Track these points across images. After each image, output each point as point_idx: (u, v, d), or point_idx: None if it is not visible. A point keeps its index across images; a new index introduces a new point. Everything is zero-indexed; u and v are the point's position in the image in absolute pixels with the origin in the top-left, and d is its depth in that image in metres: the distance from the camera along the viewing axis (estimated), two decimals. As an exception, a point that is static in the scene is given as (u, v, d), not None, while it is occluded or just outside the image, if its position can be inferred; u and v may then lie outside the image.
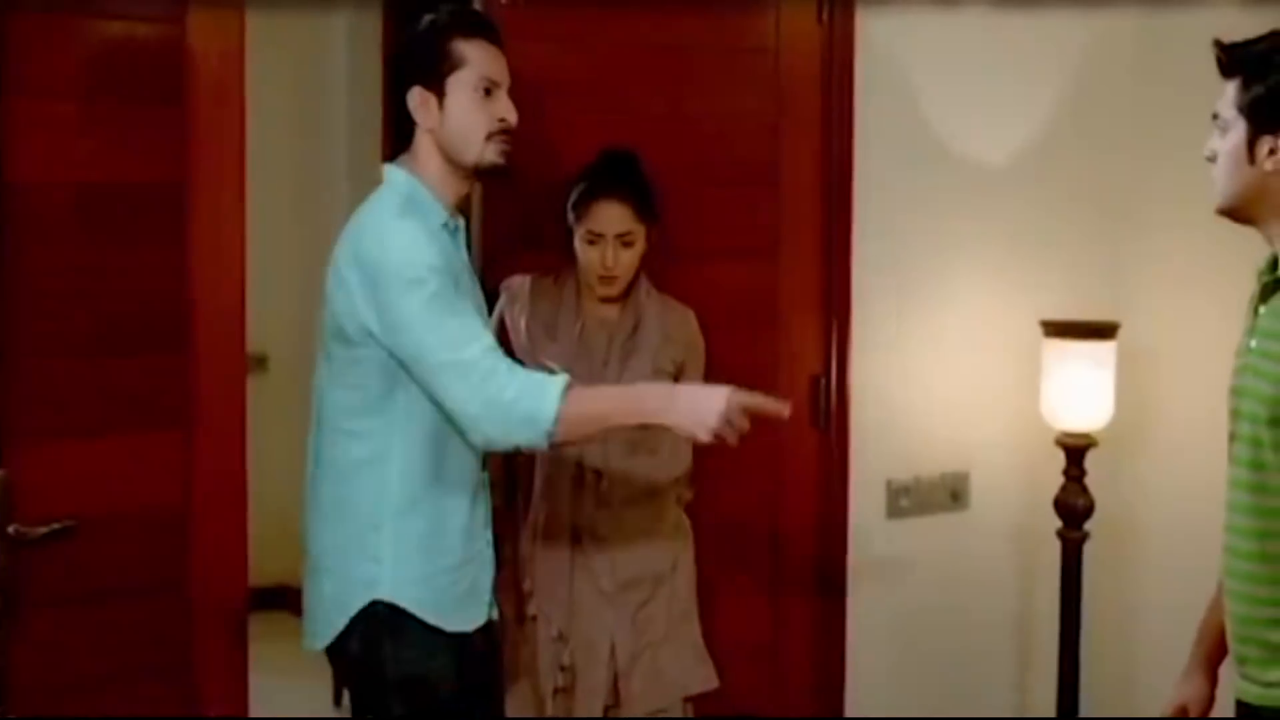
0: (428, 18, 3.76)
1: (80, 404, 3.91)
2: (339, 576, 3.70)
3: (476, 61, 3.70)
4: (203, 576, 4.10)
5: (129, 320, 3.98)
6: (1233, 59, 3.22)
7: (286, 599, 7.39)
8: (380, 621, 3.64)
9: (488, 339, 3.57)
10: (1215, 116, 3.27)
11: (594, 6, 4.67)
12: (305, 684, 6.30)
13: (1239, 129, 3.19)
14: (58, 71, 3.84)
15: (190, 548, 4.08)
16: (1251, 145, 3.17)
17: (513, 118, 3.73)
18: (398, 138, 3.79)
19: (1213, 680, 3.59)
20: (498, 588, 3.99)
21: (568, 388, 3.49)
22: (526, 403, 3.46)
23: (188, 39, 4.02)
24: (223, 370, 4.13)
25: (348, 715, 3.98)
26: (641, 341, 4.39)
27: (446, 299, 3.53)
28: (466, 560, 3.75)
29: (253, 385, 4.29)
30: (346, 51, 8.03)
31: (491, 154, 3.71)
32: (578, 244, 4.32)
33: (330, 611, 3.72)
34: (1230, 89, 3.22)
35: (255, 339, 4.42)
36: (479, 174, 3.75)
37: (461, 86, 3.69)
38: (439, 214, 3.70)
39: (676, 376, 4.45)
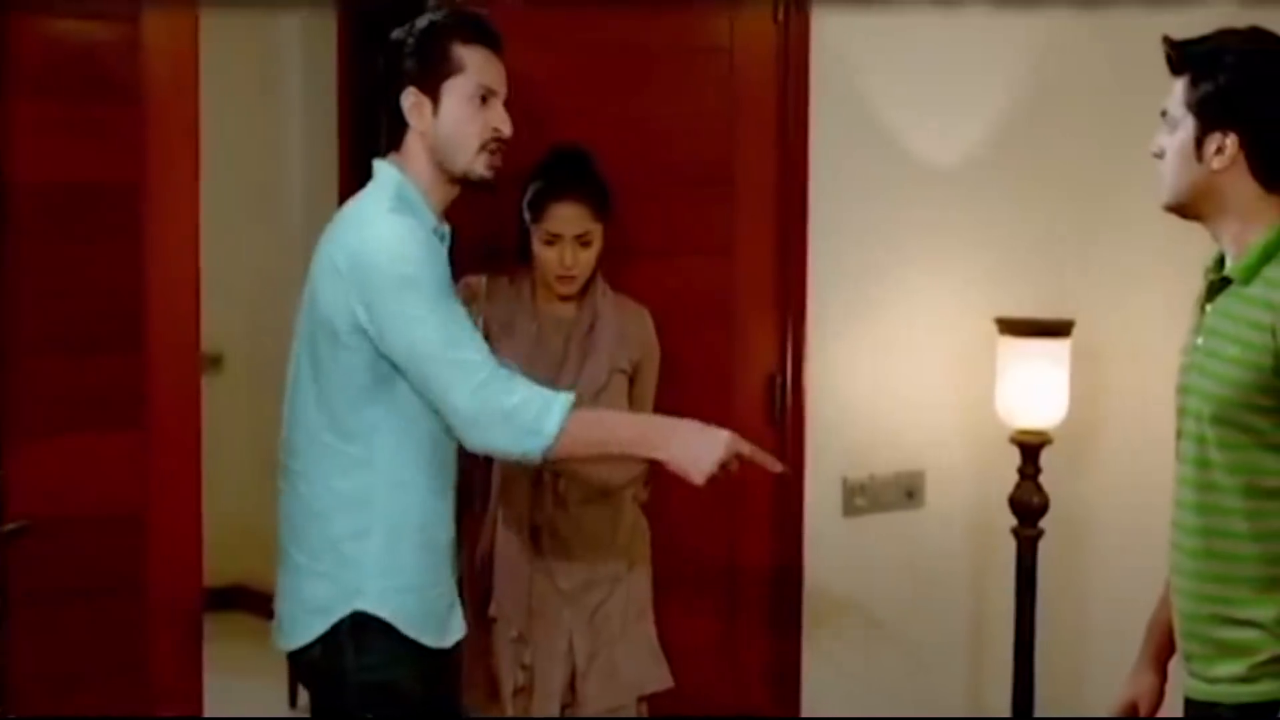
0: (428, 17, 3.72)
1: (34, 404, 3.90)
2: (317, 582, 3.62)
3: (475, 68, 3.66)
4: (157, 576, 4.09)
5: (84, 320, 3.97)
6: (1182, 56, 3.24)
7: (242, 599, 7.40)
8: (354, 630, 3.58)
9: (485, 344, 3.54)
10: (1164, 114, 3.28)
11: (548, 7, 4.67)
12: (261, 684, 6.31)
13: (1187, 126, 3.20)
14: (11, 70, 3.83)
15: (145, 548, 4.08)
16: (1199, 143, 3.19)
17: (507, 129, 3.67)
18: (389, 135, 3.74)
19: (1162, 676, 3.61)
20: (463, 589, 4.03)
21: (573, 406, 3.47)
22: (528, 413, 3.43)
23: (142, 38, 4.01)
24: (177, 370, 4.12)
25: (304, 716, 3.97)
26: (598, 340, 4.39)
27: (443, 298, 3.49)
28: (448, 576, 3.71)
29: (208, 385, 4.28)
30: (301, 51, 8.01)
31: (480, 166, 3.65)
32: (535, 244, 4.32)
33: (308, 615, 3.63)
34: (1179, 86, 3.24)
35: (210, 339, 4.41)
36: (465, 185, 3.70)
37: (457, 93, 3.64)
38: (428, 218, 3.65)
39: (632, 376, 4.46)
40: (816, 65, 5.02)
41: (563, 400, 3.47)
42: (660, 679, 4.50)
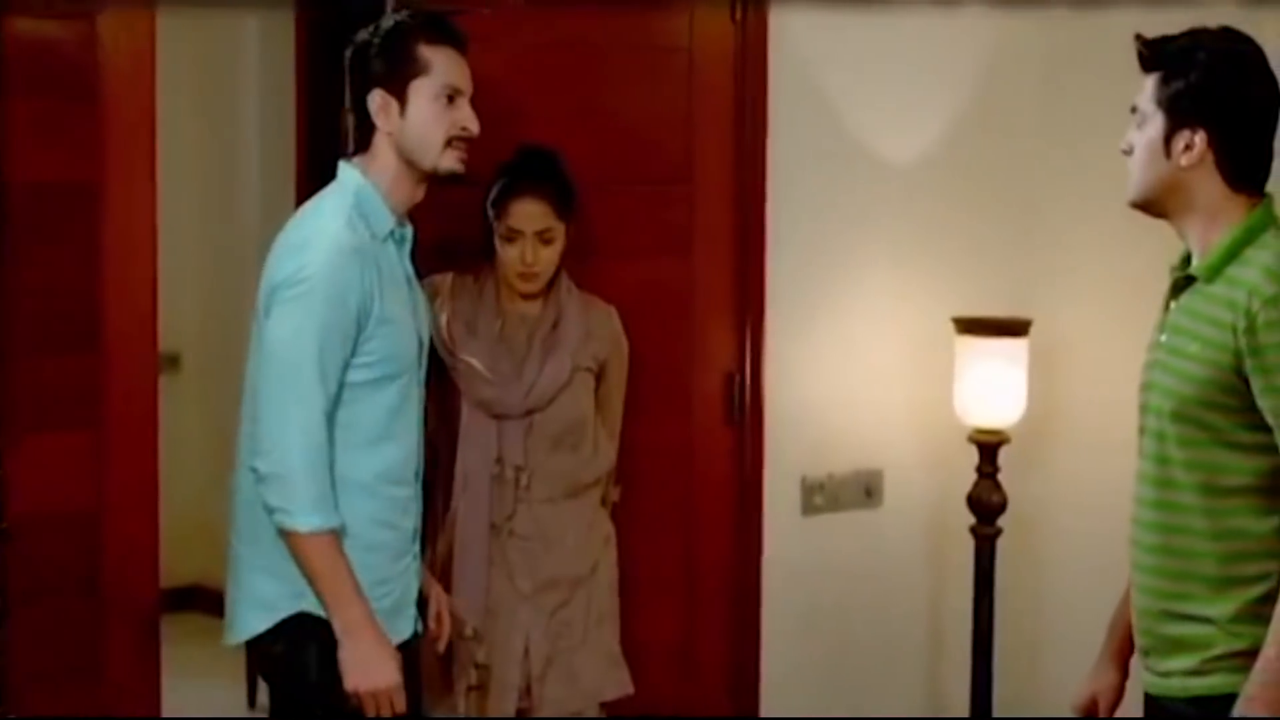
0: (392, 18, 3.74)
1: (-7, 404, 3.89)
2: (264, 578, 3.65)
3: (441, 68, 3.68)
4: (115, 577, 4.07)
5: (40, 320, 3.95)
6: (1154, 54, 3.26)
7: (199, 600, 7.36)
8: (306, 629, 3.61)
9: (328, 409, 3.56)
10: (1134, 110, 3.30)
11: (508, 7, 4.66)
12: (219, 684, 6.29)
13: (1157, 122, 3.23)
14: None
15: (102, 548, 4.06)
16: (1168, 139, 3.21)
17: (474, 127, 3.72)
18: (357, 137, 3.75)
19: (1123, 673, 3.62)
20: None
21: (333, 530, 3.54)
22: (303, 492, 3.50)
23: (99, 37, 4.00)
24: (135, 370, 4.10)
25: (263, 716, 3.97)
26: (562, 338, 4.38)
27: (329, 342, 3.53)
28: (395, 575, 3.74)
29: (165, 385, 4.27)
30: (259, 51, 7.98)
31: (449, 161, 3.70)
32: (497, 242, 4.31)
33: (254, 610, 3.68)
34: (1150, 83, 3.26)
35: (168, 339, 4.40)
36: (435, 180, 3.74)
37: (424, 93, 3.67)
38: (386, 221, 3.68)
39: (599, 374, 4.46)
40: (775, 65, 5.03)
41: (330, 515, 3.53)
42: (620, 684, 4.49)
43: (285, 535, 3.53)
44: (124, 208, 4.06)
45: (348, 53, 3.75)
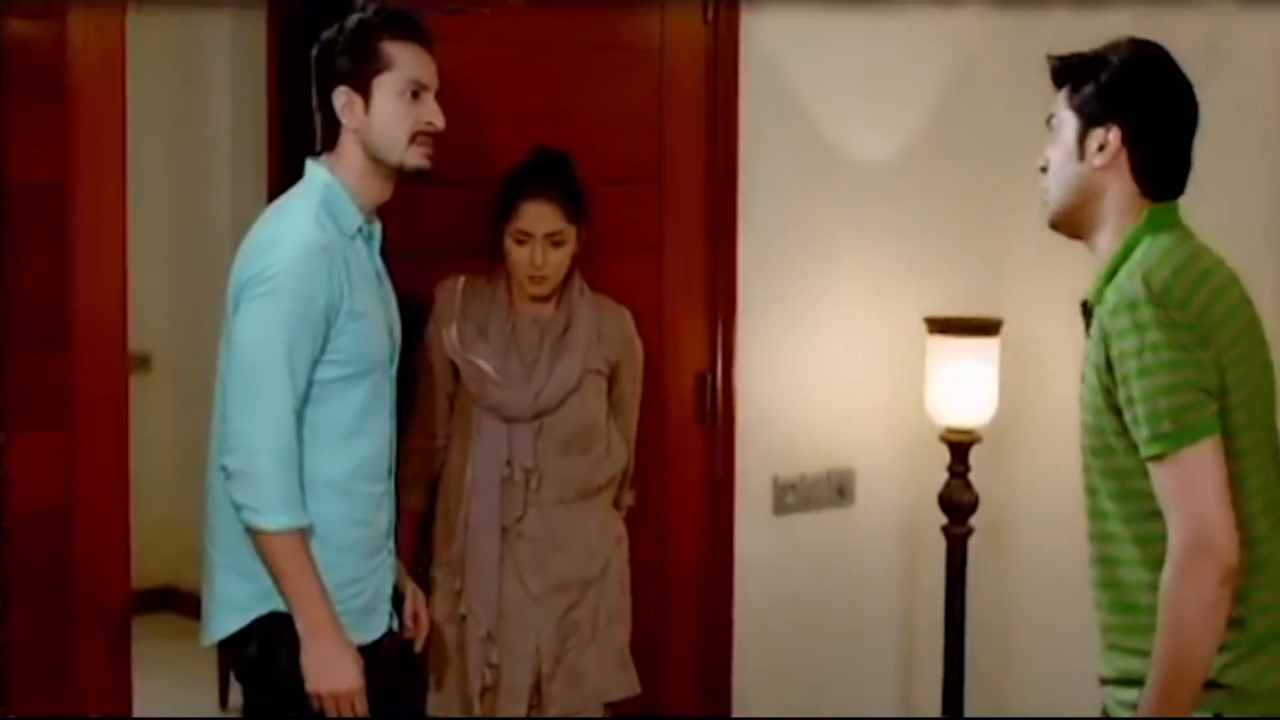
0: (355, 16, 3.74)
1: (-41, 404, 3.87)
2: (235, 579, 3.67)
3: (405, 64, 3.69)
4: (85, 577, 4.05)
5: (8, 319, 3.94)
6: (1065, 68, 3.29)
7: (171, 600, 7.35)
8: (278, 629, 3.61)
9: (296, 407, 3.57)
10: (1049, 123, 3.33)
11: (477, 5, 4.66)
12: (192, 686, 6.28)
13: (1070, 127, 3.25)
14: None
15: (73, 548, 4.04)
16: (1082, 140, 3.22)
17: (439, 122, 3.73)
18: (323, 135, 3.75)
19: None
20: (429, 589, 4.19)
21: (300, 529, 3.55)
22: (270, 490, 3.51)
23: (69, 35, 3.98)
24: (104, 369, 4.08)
25: (235, 716, 3.97)
26: (573, 340, 4.38)
27: (298, 339, 3.54)
28: (368, 573, 3.75)
29: (136, 385, 4.25)
30: (229, 50, 7.97)
31: (415, 157, 3.71)
32: (507, 243, 4.31)
33: (226, 611, 3.70)
34: (1061, 95, 3.29)
35: (138, 339, 4.38)
36: (404, 176, 3.75)
37: (388, 88, 3.68)
38: (353, 218, 3.69)
39: (611, 375, 4.47)
40: (746, 65, 5.03)
41: (299, 515, 3.55)
42: (627, 686, 4.50)
43: (252, 534, 3.53)
44: (93, 207, 4.04)
45: (314, 51, 3.76)
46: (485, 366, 4.30)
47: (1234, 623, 3.00)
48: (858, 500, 5.36)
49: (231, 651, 3.78)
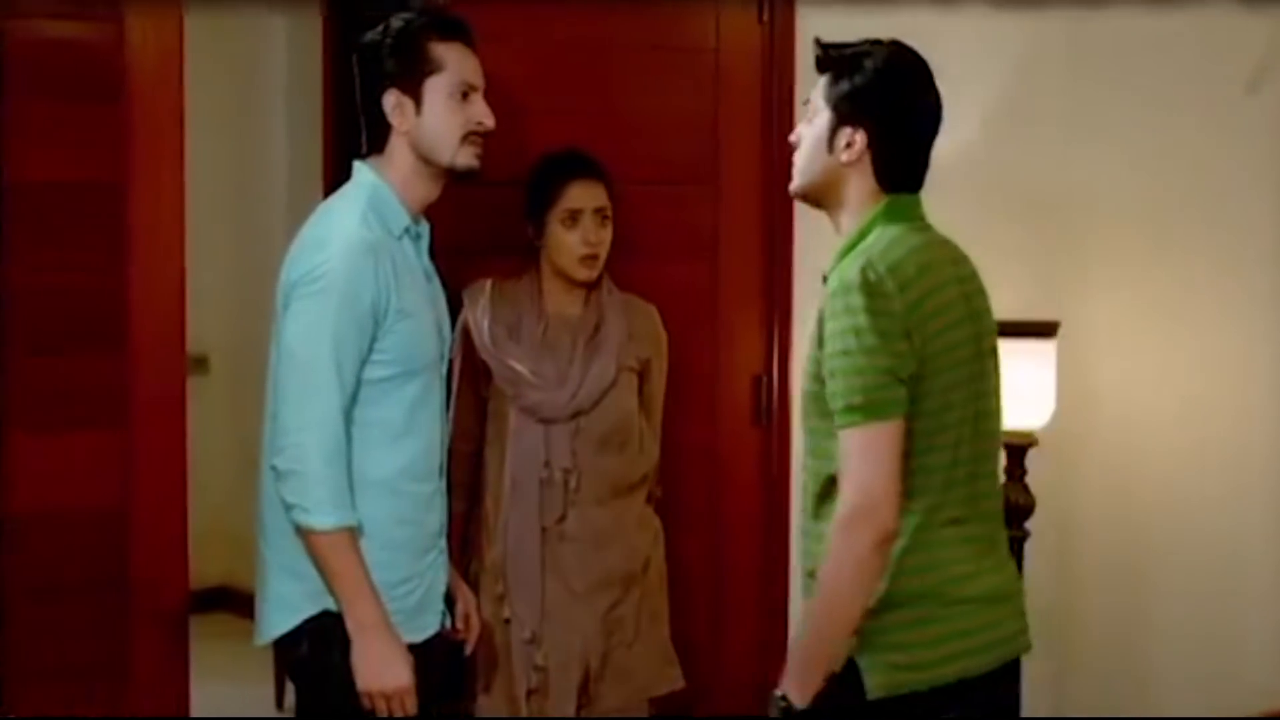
0: (402, 17, 3.74)
1: (20, 402, 3.90)
2: (287, 578, 3.67)
3: (454, 65, 3.69)
4: (142, 576, 4.08)
5: (68, 319, 3.97)
6: (827, 56, 3.49)
7: (226, 600, 7.37)
8: (330, 629, 3.61)
9: (345, 406, 3.58)
10: (807, 103, 3.51)
11: (533, 4, 4.66)
12: (248, 686, 6.29)
13: (824, 118, 3.42)
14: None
15: (130, 547, 4.07)
16: (832, 135, 3.40)
17: (490, 122, 3.73)
18: (370, 137, 3.76)
19: None
20: (478, 590, 4.17)
21: (349, 528, 3.54)
22: (319, 489, 3.51)
23: (127, 38, 4.00)
24: (162, 370, 4.11)
25: (290, 716, 3.98)
26: (605, 340, 4.39)
27: (345, 338, 3.55)
28: (419, 572, 3.75)
29: (193, 387, 4.27)
30: (286, 50, 8.00)
31: (465, 157, 3.71)
32: (554, 231, 4.32)
33: (279, 611, 3.70)
34: (822, 82, 3.46)
35: (196, 340, 4.40)
36: (453, 177, 3.75)
37: (439, 90, 3.68)
38: (400, 218, 3.69)
39: (642, 373, 4.46)
40: (802, 65, 5.01)
41: (348, 513, 3.54)
42: (672, 680, 4.51)
43: (302, 533, 3.53)
44: (151, 208, 4.07)
45: (357, 53, 3.76)
46: (520, 368, 4.31)
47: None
48: (914, 503, 5.33)
49: (283, 650, 3.78)
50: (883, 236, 3.36)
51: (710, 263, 4.98)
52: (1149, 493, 5.23)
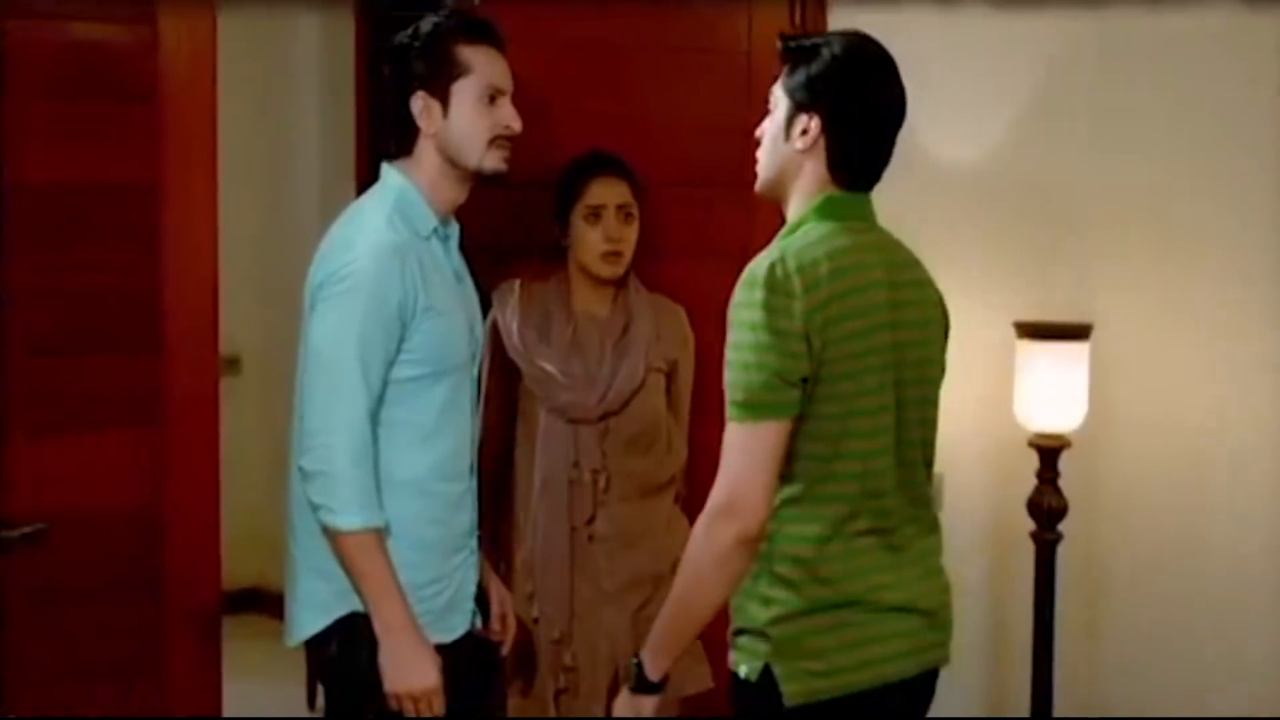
0: (430, 20, 3.74)
1: (52, 404, 3.91)
2: (316, 579, 3.69)
3: (481, 69, 3.70)
4: (175, 577, 4.09)
5: (101, 320, 3.98)
6: (787, 50, 3.48)
7: (258, 601, 7.38)
8: (359, 629, 3.63)
9: (371, 407, 3.59)
10: (768, 100, 3.51)
11: (563, 6, 4.66)
12: (279, 686, 6.30)
13: (782, 108, 3.43)
14: (28, 73, 3.83)
15: (163, 548, 4.08)
16: (789, 123, 3.41)
17: (517, 125, 3.75)
18: (398, 139, 3.76)
19: None
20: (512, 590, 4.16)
21: (376, 529, 3.56)
22: (345, 490, 3.53)
23: (159, 39, 4.01)
24: (195, 370, 4.12)
25: (321, 717, 3.99)
26: (634, 340, 4.39)
27: (371, 338, 3.57)
28: (448, 572, 3.75)
29: (226, 387, 4.28)
30: (318, 50, 8.01)
31: (493, 160, 3.73)
32: (578, 227, 4.34)
33: (309, 611, 3.72)
34: (784, 73, 3.45)
35: (229, 341, 4.41)
36: (480, 179, 3.75)
37: (467, 94, 3.70)
38: (428, 220, 3.70)
39: (670, 373, 4.46)
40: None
41: (376, 513, 3.56)
42: (701, 679, 4.49)
43: (329, 534, 3.54)
44: (185, 208, 4.08)
45: (387, 56, 3.77)
46: (549, 368, 4.32)
47: (790, 584, 3.28)
48: (946, 505, 5.30)
49: (315, 651, 3.79)
50: (809, 233, 3.37)
51: (739, 265, 4.91)
52: (1181, 494, 5.21)
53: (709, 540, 3.21)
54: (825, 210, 3.40)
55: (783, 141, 3.42)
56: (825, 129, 3.38)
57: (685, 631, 3.34)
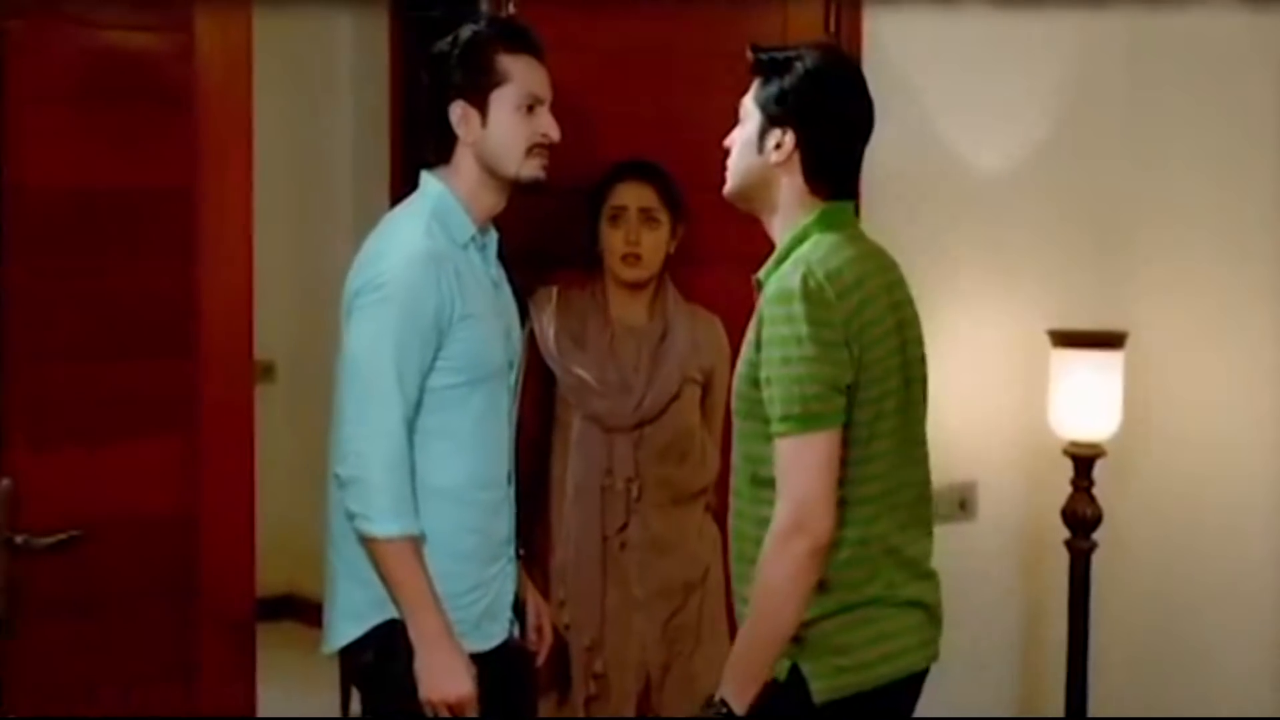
0: (470, 28, 3.75)
1: (86, 410, 3.91)
2: (353, 586, 3.70)
3: (521, 78, 3.71)
4: (210, 583, 4.09)
5: (136, 326, 3.97)
6: (759, 62, 3.53)
7: (292, 608, 7.40)
8: (395, 637, 3.64)
9: (407, 415, 3.59)
10: (739, 109, 3.54)
11: (596, 8, 4.66)
12: (313, 694, 6.31)
13: (754, 120, 3.49)
14: (63, 77, 3.84)
15: (198, 554, 4.07)
16: (762, 136, 3.46)
17: (555, 134, 3.76)
18: (437, 147, 3.77)
19: None
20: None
21: (412, 537, 3.57)
22: (381, 498, 3.54)
23: (195, 43, 4.01)
24: (230, 377, 4.12)
25: (355, 723, 3.99)
26: (670, 349, 4.39)
27: (407, 346, 3.57)
28: (485, 581, 3.75)
29: (260, 394, 4.28)
30: (352, 54, 8.02)
31: (531, 169, 3.74)
32: (603, 231, 4.35)
33: (346, 619, 3.74)
34: (754, 87, 3.49)
35: (263, 347, 4.41)
36: (519, 188, 3.76)
37: (505, 103, 3.71)
38: (465, 229, 3.70)
39: (705, 384, 4.46)
40: (870, 70, 4.97)
41: (411, 521, 3.57)
42: None
43: (365, 542, 3.54)
44: (219, 214, 4.07)
45: (425, 64, 3.77)
46: (585, 376, 4.31)
47: (822, 586, 3.32)
48: (980, 513, 5.31)
49: (350, 658, 3.79)
50: (820, 244, 3.40)
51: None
52: (1214, 501, 5.20)
53: (782, 560, 3.25)
54: (827, 222, 3.46)
55: (755, 154, 3.48)
56: (799, 143, 3.43)
57: (770, 655, 3.34)
